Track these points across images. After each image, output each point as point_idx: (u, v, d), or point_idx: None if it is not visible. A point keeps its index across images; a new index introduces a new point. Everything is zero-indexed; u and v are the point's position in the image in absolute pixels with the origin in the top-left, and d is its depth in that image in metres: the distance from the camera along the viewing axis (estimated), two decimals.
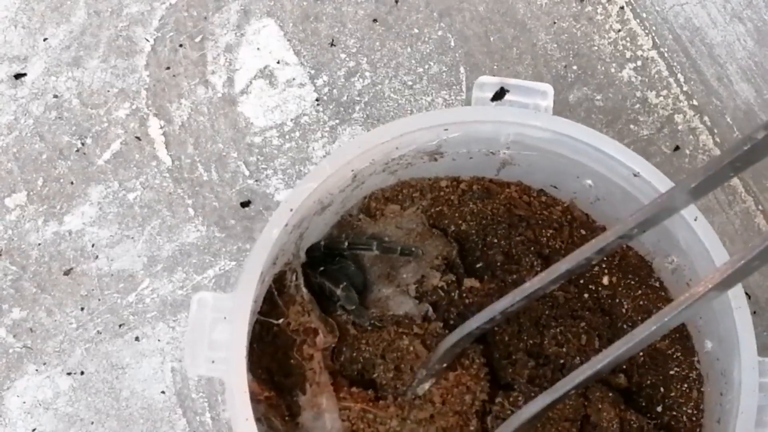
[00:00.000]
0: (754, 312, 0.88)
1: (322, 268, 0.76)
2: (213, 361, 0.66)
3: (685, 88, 0.95)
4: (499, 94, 0.76)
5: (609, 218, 0.80)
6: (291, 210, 0.70)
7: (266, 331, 0.73)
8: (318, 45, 0.96)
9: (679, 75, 0.95)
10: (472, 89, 0.76)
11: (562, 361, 0.73)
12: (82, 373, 0.86)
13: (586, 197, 0.79)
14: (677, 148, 0.93)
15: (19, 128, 0.92)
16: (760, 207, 0.92)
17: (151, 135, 0.92)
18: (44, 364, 0.86)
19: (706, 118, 0.94)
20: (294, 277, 0.75)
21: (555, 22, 0.97)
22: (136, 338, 0.87)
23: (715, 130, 0.94)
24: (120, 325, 0.87)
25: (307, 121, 0.93)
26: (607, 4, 0.98)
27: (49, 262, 0.89)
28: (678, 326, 0.76)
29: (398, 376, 0.71)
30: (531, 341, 0.74)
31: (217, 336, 0.67)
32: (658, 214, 0.56)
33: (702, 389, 0.75)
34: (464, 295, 0.75)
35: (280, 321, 0.73)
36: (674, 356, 0.76)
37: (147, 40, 0.95)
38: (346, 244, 0.76)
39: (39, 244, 0.89)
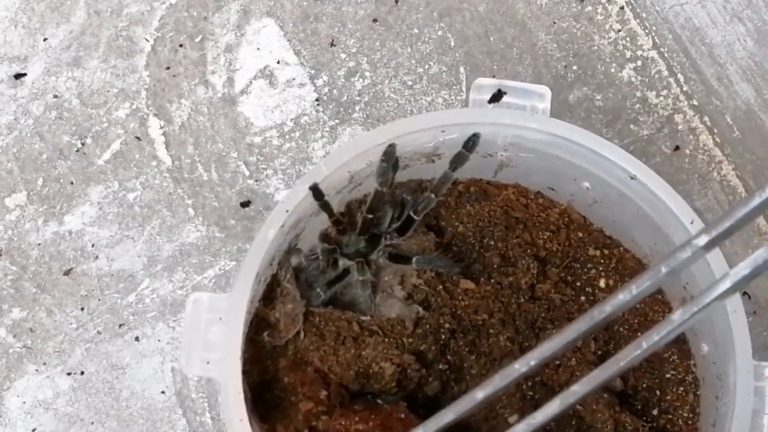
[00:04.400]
0: (754, 312, 0.88)
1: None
2: (208, 362, 0.67)
3: (685, 88, 0.95)
4: (497, 96, 0.76)
5: (606, 221, 0.80)
6: (287, 211, 0.70)
7: (260, 334, 0.73)
8: (318, 45, 0.96)
9: (679, 75, 0.95)
10: (470, 91, 0.76)
11: (557, 362, 0.73)
12: (82, 373, 0.86)
13: (583, 200, 0.79)
14: (677, 148, 0.93)
15: (19, 128, 0.93)
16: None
17: (151, 135, 0.93)
18: (44, 364, 0.86)
19: (706, 118, 0.94)
20: (284, 272, 0.75)
21: (555, 22, 0.97)
22: (136, 338, 0.87)
23: (715, 130, 0.94)
24: (120, 325, 0.87)
25: (307, 121, 0.94)
26: (607, 4, 0.97)
27: (49, 262, 0.89)
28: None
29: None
30: (526, 344, 0.74)
31: (212, 336, 0.67)
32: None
33: (698, 392, 0.75)
34: (460, 297, 0.75)
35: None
36: (670, 359, 0.76)
37: (147, 40, 0.95)
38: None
39: (39, 244, 0.89)
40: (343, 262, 0.76)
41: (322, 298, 0.74)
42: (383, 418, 0.69)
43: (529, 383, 0.73)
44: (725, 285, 0.44)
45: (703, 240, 0.45)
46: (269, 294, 0.74)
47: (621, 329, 0.76)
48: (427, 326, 0.73)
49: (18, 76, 0.94)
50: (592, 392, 0.46)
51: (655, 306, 0.77)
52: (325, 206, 0.71)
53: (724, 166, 0.93)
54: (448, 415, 0.45)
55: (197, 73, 0.95)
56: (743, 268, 0.44)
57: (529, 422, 0.45)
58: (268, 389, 0.72)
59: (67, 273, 0.89)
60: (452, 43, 0.96)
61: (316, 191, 0.69)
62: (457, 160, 0.73)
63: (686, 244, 0.45)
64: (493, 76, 0.94)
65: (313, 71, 0.95)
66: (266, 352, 0.72)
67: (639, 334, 0.76)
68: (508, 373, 0.44)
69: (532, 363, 0.44)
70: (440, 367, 0.73)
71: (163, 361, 0.87)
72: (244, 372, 0.67)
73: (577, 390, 0.45)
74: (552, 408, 0.45)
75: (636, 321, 0.76)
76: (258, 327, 0.73)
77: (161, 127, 0.93)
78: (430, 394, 0.73)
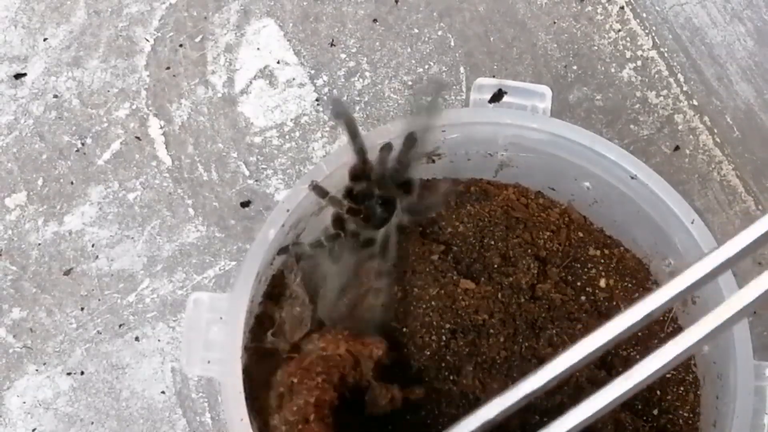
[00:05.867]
0: (754, 312, 0.87)
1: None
2: (208, 362, 0.67)
3: (685, 88, 0.95)
4: (497, 96, 0.76)
5: (607, 220, 0.80)
6: (288, 210, 0.71)
7: (264, 333, 0.73)
8: (318, 45, 0.96)
9: (679, 75, 0.95)
10: (471, 91, 0.76)
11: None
12: (82, 373, 0.86)
13: (584, 199, 0.79)
14: (677, 148, 0.93)
15: (19, 128, 0.93)
16: (760, 207, 0.91)
17: (151, 135, 0.93)
18: (44, 364, 0.86)
19: (706, 118, 0.94)
20: (293, 276, 0.75)
21: (555, 22, 0.97)
22: (136, 338, 0.87)
23: (715, 130, 0.94)
24: (120, 325, 0.87)
25: (307, 121, 0.94)
26: (607, 4, 0.97)
27: (49, 262, 0.89)
28: (674, 329, 0.76)
29: None
30: (526, 344, 0.74)
31: (212, 336, 0.67)
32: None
33: (698, 392, 0.75)
34: (460, 297, 0.75)
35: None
36: None
37: (147, 40, 0.96)
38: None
39: (39, 244, 0.89)
40: (363, 234, 0.74)
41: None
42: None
43: None
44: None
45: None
46: (276, 292, 0.74)
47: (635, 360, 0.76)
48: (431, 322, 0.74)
49: (18, 76, 0.94)
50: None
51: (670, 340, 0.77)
52: (333, 200, 0.70)
53: (724, 166, 0.93)
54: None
55: (197, 73, 0.95)
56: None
57: None
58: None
59: (67, 273, 0.89)
60: (452, 43, 0.96)
61: (318, 189, 0.69)
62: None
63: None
64: (493, 76, 0.94)
65: (313, 71, 0.95)
66: (270, 352, 0.72)
67: (639, 334, 0.76)
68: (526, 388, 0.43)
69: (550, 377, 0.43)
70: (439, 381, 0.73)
71: (163, 361, 0.87)
72: (246, 371, 0.67)
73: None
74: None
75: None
76: (262, 325, 0.73)
77: (161, 127, 0.93)
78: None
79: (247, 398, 0.65)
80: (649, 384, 0.73)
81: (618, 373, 0.74)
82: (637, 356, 0.76)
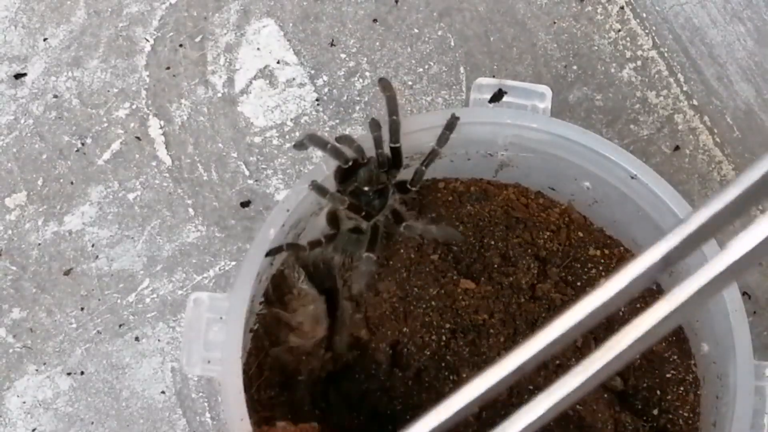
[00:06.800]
0: (754, 312, 0.87)
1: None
2: (208, 362, 0.67)
3: (685, 88, 0.95)
4: (497, 96, 0.76)
5: (607, 220, 0.80)
6: (288, 210, 0.71)
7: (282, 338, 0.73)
8: (318, 45, 0.96)
9: (679, 75, 0.95)
10: (471, 91, 0.76)
11: (558, 362, 0.73)
12: (82, 373, 0.86)
13: (584, 199, 0.79)
14: (677, 148, 0.93)
15: (19, 128, 0.93)
16: (759, 207, 0.91)
17: (151, 135, 0.93)
18: (44, 364, 0.86)
19: (706, 118, 0.94)
20: (296, 275, 0.75)
21: (555, 22, 0.97)
22: (136, 338, 0.87)
23: (715, 130, 0.94)
24: (120, 325, 0.87)
25: (307, 121, 0.93)
26: (607, 4, 0.97)
27: (49, 262, 0.89)
28: (674, 329, 0.76)
29: None
30: None
31: (212, 336, 0.68)
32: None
33: (698, 392, 0.75)
34: (460, 297, 0.75)
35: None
36: (671, 359, 0.75)
37: (147, 40, 0.95)
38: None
39: (39, 244, 0.89)
40: (365, 225, 0.74)
41: (373, 259, 0.72)
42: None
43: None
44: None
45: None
46: (277, 292, 0.74)
47: (620, 329, 0.76)
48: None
49: (18, 76, 0.94)
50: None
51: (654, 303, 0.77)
52: (334, 198, 0.70)
53: (724, 166, 0.93)
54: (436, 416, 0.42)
55: (197, 73, 0.95)
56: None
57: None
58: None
59: (67, 273, 0.89)
60: (452, 43, 0.96)
61: (318, 188, 0.69)
62: (441, 141, 0.72)
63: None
64: (493, 76, 0.94)
65: (313, 71, 0.95)
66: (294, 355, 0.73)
67: None
68: (505, 367, 0.42)
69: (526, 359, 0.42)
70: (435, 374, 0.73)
71: (163, 361, 0.87)
72: (246, 372, 0.67)
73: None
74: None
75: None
76: (268, 329, 0.73)
77: (161, 127, 0.93)
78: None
79: (253, 400, 0.65)
80: (634, 358, 0.73)
81: (619, 373, 0.74)
82: (639, 359, 0.76)
